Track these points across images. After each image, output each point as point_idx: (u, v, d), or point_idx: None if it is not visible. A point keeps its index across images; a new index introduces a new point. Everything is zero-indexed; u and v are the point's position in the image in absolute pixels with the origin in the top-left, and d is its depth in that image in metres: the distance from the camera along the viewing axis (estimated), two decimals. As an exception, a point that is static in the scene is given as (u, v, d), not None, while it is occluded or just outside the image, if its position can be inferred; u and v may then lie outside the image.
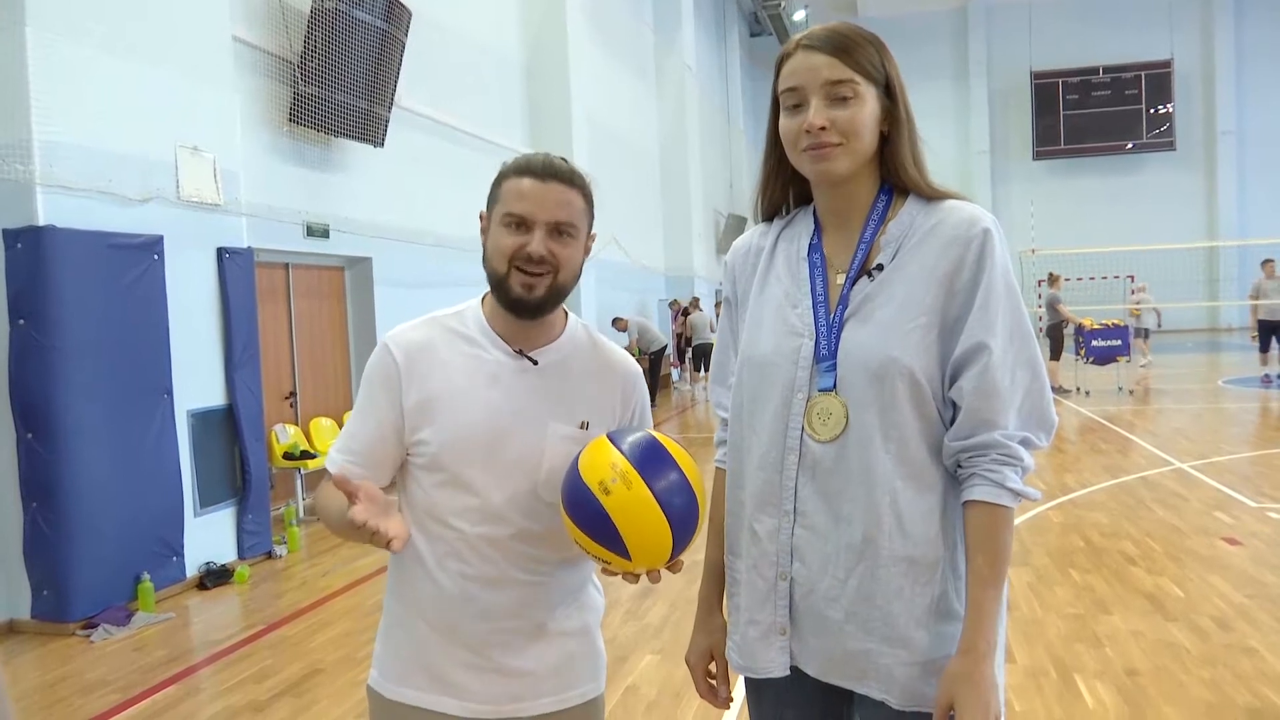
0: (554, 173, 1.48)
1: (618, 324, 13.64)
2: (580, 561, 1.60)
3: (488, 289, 1.56)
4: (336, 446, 1.57)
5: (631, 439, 1.38)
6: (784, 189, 1.52)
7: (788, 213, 1.54)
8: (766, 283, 1.50)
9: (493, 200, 1.52)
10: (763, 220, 1.57)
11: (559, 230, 1.47)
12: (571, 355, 1.58)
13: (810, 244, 1.46)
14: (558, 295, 1.51)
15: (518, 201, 1.47)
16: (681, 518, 1.34)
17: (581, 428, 1.54)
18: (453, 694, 1.52)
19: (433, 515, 1.51)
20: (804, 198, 1.52)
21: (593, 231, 1.57)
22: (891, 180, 1.42)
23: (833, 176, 1.38)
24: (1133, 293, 15.92)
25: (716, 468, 1.59)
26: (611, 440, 1.38)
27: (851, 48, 1.35)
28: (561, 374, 1.56)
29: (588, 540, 1.35)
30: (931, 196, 1.40)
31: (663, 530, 1.33)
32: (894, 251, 1.38)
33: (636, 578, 1.40)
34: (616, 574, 1.41)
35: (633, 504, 1.31)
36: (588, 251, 1.56)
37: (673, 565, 1.39)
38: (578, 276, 1.54)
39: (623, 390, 1.62)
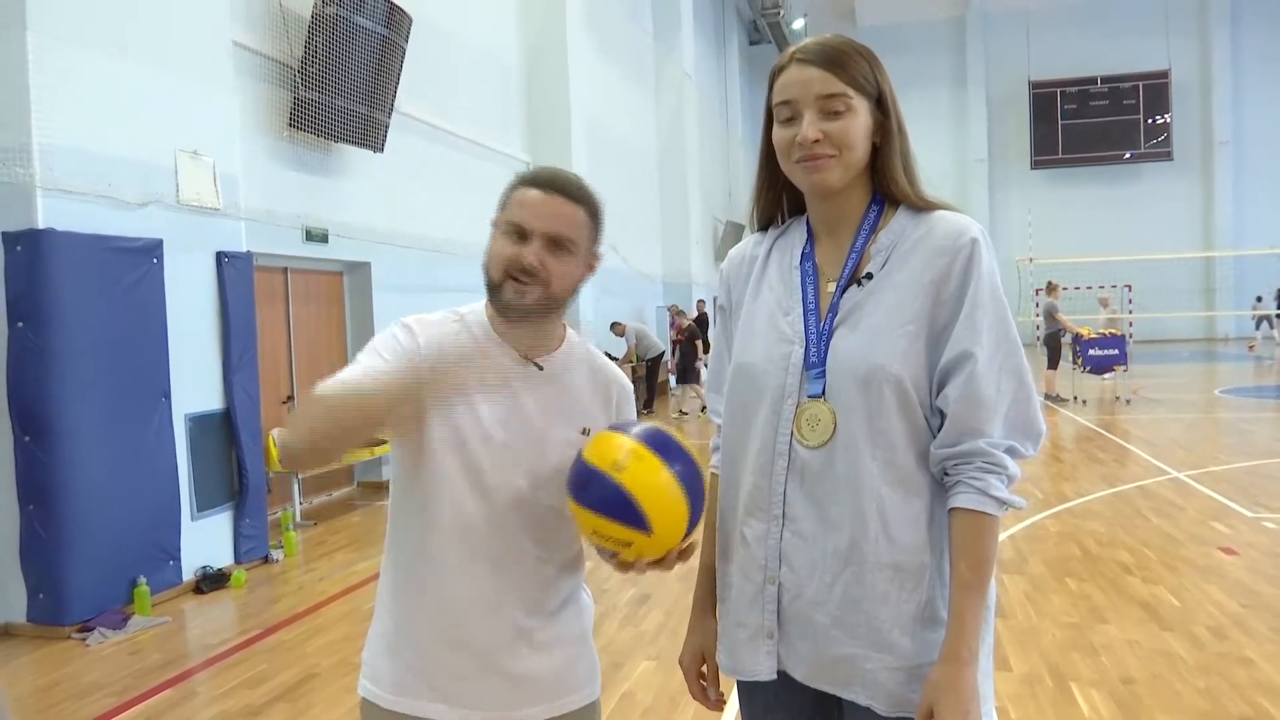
0: (559, 186, 1.50)
1: (616, 329, 13.64)
2: (576, 564, 1.62)
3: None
4: (348, 372, 1.43)
5: (637, 427, 1.41)
6: (778, 199, 1.55)
7: (783, 222, 1.56)
8: (759, 291, 1.52)
9: (500, 207, 1.54)
10: (758, 229, 1.59)
11: (556, 243, 1.48)
12: (571, 365, 1.61)
13: (803, 253, 1.49)
14: (550, 305, 1.51)
15: (519, 210, 1.49)
16: (694, 492, 1.37)
17: (583, 434, 1.56)
18: (456, 702, 1.51)
19: (441, 521, 1.51)
20: (798, 207, 1.54)
21: (598, 250, 1.58)
22: (883, 191, 1.44)
23: (825, 188, 1.41)
24: (1103, 304, 15.60)
25: (711, 473, 1.60)
26: (616, 430, 1.41)
27: (844, 61, 1.37)
28: (564, 382, 1.58)
29: (606, 522, 1.34)
30: (922, 207, 1.42)
31: (680, 500, 1.35)
32: (884, 260, 1.40)
33: (648, 566, 1.41)
34: (631, 564, 1.41)
35: (648, 475, 1.33)
36: (591, 270, 1.57)
37: (685, 550, 1.42)
38: (573, 291, 1.55)
39: (616, 404, 1.65)
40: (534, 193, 1.49)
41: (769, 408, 1.42)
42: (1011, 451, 1.34)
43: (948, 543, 1.35)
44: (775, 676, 1.43)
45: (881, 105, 1.40)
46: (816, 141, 1.36)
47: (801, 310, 1.44)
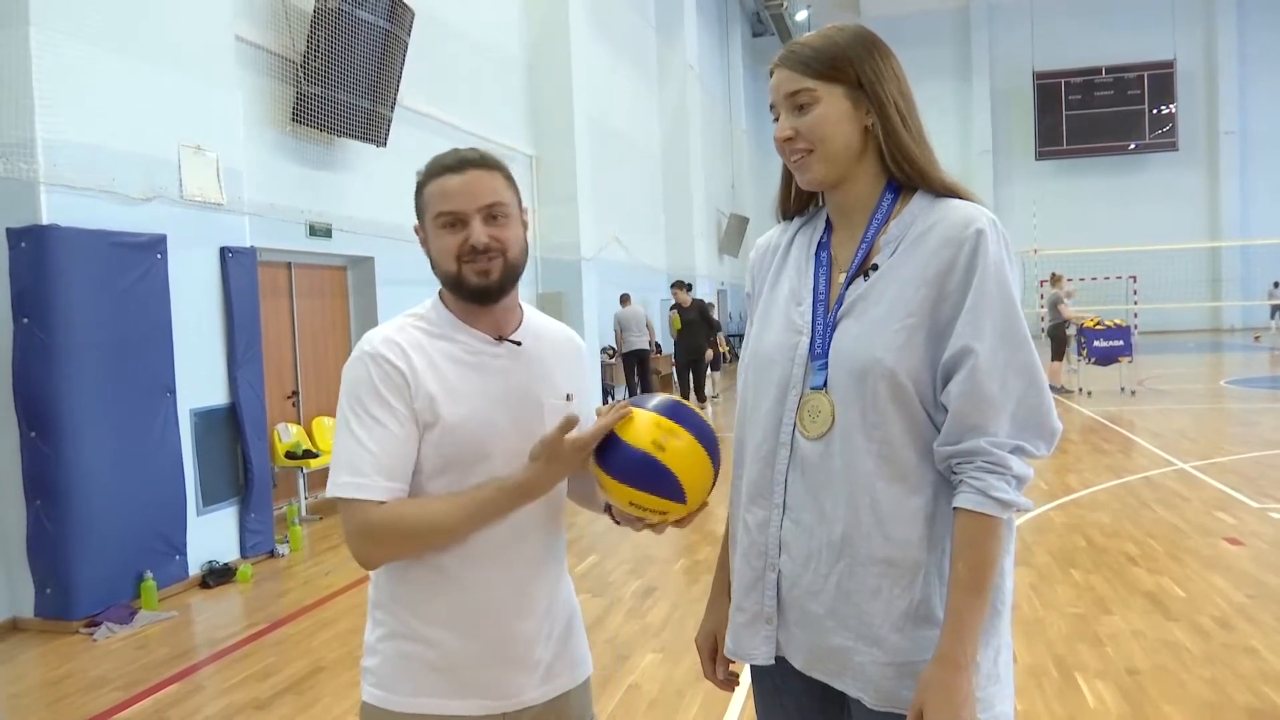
0: (469, 163, 1.52)
1: (624, 300, 13.69)
2: (563, 544, 1.64)
3: (440, 288, 1.60)
4: (367, 470, 1.42)
5: (655, 401, 1.45)
6: (799, 191, 1.54)
7: (813, 210, 1.56)
8: (779, 280, 1.52)
9: (421, 210, 1.56)
10: (782, 219, 1.59)
11: (492, 215, 1.51)
12: (538, 334, 1.64)
13: (820, 242, 1.49)
14: (513, 274, 1.54)
15: (445, 201, 1.50)
16: (715, 454, 1.44)
17: (567, 399, 1.60)
18: (475, 694, 1.51)
19: None
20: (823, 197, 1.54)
21: (525, 206, 1.60)
22: (893, 176, 1.42)
23: (816, 184, 1.42)
24: (1068, 296, 13.76)
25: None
26: (640, 406, 1.44)
27: (806, 57, 1.38)
28: (540, 351, 1.61)
29: (648, 496, 1.40)
30: (938, 191, 1.39)
31: (708, 467, 1.42)
32: (891, 251, 1.38)
33: (665, 526, 1.47)
34: (654, 525, 1.46)
35: (685, 452, 1.39)
36: (526, 227, 1.60)
37: (701, 507, 1.47)
38: (526, 252, 1.58)
39: (580, 361, 1.71)
40: (450, 179, 1.51)
41: (775, 397, 1.43)
42: (1019, 451, 1.29)
43: (950, 541, 1.32)
44: (773, 661, 1.44)
45: (865, 88, 1.38)
46: (789, 140, 1.39)
47: (811, 300, 1.44)
